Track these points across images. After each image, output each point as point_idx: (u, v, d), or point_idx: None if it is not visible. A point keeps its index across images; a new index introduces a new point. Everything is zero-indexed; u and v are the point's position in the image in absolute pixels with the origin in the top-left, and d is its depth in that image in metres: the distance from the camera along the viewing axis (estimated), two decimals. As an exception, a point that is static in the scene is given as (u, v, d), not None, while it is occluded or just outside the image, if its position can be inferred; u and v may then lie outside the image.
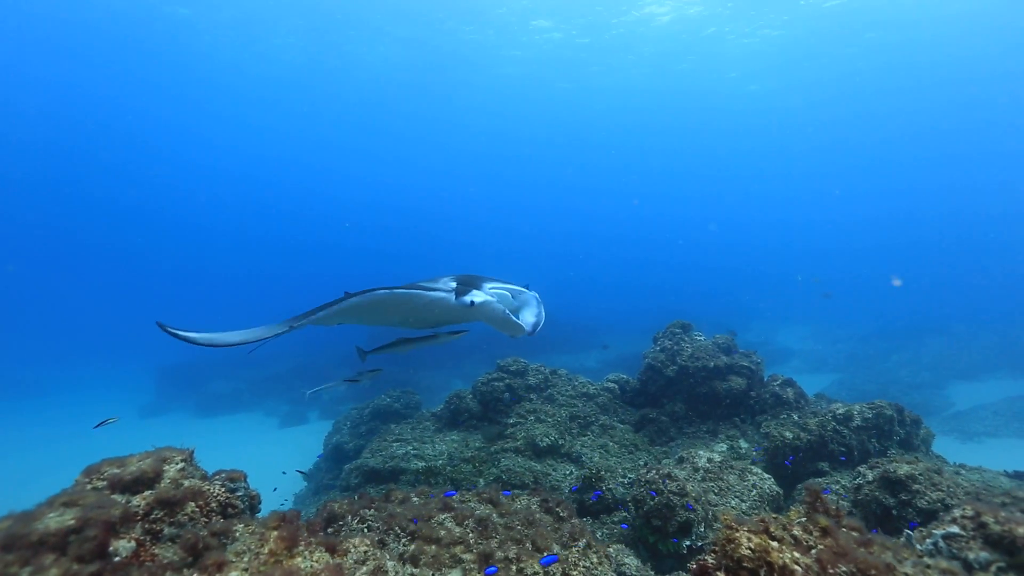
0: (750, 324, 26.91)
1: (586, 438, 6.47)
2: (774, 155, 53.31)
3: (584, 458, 6.02)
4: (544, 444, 6.17)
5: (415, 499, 2.98)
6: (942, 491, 2.99)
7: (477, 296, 3.81)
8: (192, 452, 2.05)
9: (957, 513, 1.72)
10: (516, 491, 5.41)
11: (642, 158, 55.59)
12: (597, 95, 37.72)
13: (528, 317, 4.52)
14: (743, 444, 6.00)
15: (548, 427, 6.45)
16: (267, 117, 41.92)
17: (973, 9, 25.34)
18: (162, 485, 1.78)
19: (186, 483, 1.82)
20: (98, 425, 5.92)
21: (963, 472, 5.08)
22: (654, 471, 3.87)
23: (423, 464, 6.42)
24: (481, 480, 5.83)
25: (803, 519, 1.81)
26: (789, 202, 69.71)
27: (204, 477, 1.99)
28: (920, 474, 3.07)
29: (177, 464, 1.90)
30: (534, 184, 67.34)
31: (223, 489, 1.95)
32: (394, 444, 7.22)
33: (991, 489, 3.02)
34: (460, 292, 3.75)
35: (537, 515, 2.84)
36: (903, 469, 3.12)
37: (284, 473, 9.46)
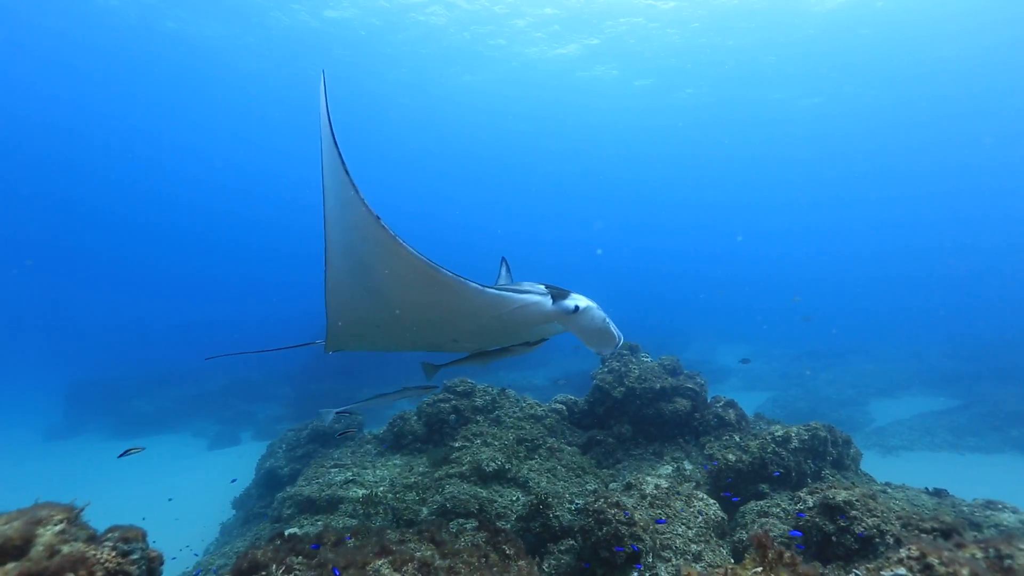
0: (690, 344, 27.88)
1: (533, 461, 6.34)
2: (705, 171, 54.90)
3: (531, 483, 5.88)
4: (490, 469, 5.98)
5: (350, 541, 2.74)
6: (877, 516, 3.07)
7: (580, 300, 3.25)
8: (78, 511, 1.72)
9: (903, 553, 1.72)
10: (461, 520, 5.21)
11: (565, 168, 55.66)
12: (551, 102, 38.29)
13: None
14: (688, 466, 6.06)
15: (495, 451, 6.28)
16: (241, 120, 39.98)
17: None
18: (33, 554, 1.48)
19: (65, 549, 1.52)
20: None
21: (890, 491, 5.34)
22: (602, 500, 3.79)
23: (363, 492, 6.08)
24: (425, 509, 5.56)
25: (759, 570, 1.74)
26: (728, 224, 73.20)
27: (91, 539, 1.67)
28: (857, 500, 3.15)
29: (55, 525, 1.59)
30: (491, 191, 67.39)
31: (114, 553, 1.64)
32: (332, 470, 6.82)
33: (920, 513, 3.14)
34: (557, 296, 3.22)
35: (482, 556, 2.67)
36: (841, 495, 3.19)
37: (170, 500, 8.80)
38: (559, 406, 7.43)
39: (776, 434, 5.34)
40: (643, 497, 4.16)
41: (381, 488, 6.21)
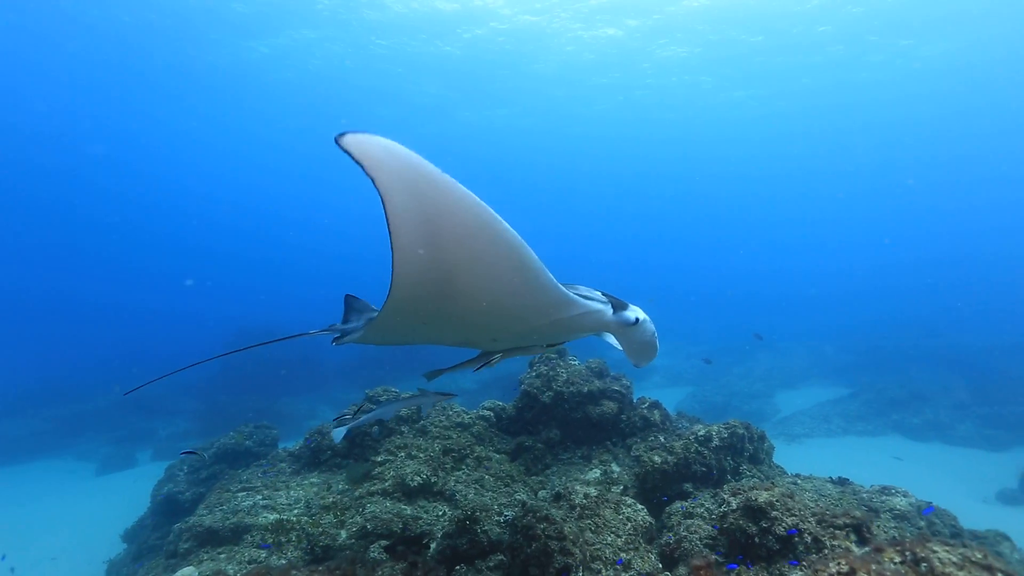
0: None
1: (460, 472, 6.10)
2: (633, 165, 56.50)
3: (458, 496, 5.64)
4: (415, 483, 5.68)
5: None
6: (796, 516, 3.15)
7: (639, 312, 3.17)
8: None
9: (834, 568, 1.71)
10: (384, 542, 4.87)
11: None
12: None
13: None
14: (615, 468, 6.08)
15: (420, 463, 5.98)
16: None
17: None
18: None
19: None
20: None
21: (800, 482, 5.63)
22: (531, 515, 3.64)
23: (274, 517, 5.56)
24: (343, 532, 5.16)
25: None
26: (653, 219, 76.15)
27: None
28: (777, 500, 3.22)
29: None
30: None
31: None
32: (239, 494, 6.19)
33: (832, 509, 3.27)
34: (618, 306, 3.10)
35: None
36: (763, 497, 3.25)
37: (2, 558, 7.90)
38: (487, 413, 7.24)
39: (699, 433, 5.47)
40: (572, 508, 4.06)
41: (295, 511, 5.72)
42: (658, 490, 5.21)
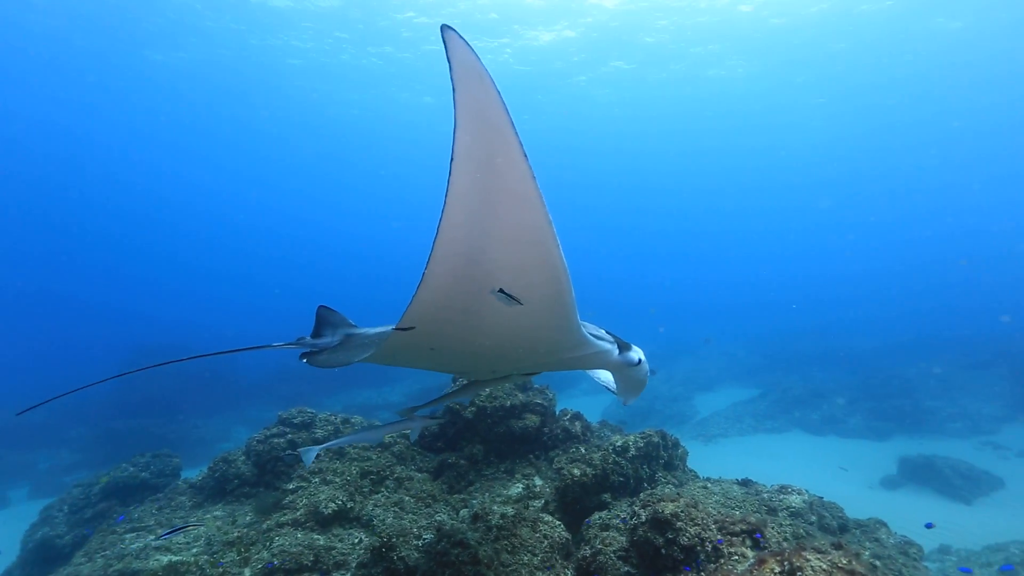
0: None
1: (379, 495, 5.87)
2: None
3: (376, 521, 5.42)
4: (330, 511, 5.38)
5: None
6: (698, 525, 3.29)
7: (640, 352, 3.18)
8: None
9: None
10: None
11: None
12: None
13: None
14: (538, 481, 6.10)
15: (335, 489, 5.68)
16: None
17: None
18: None
19: None
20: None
21: (710, 485, 5.92)
22: (445, 540, 3.54)
23: (169, 559, 5.06)
24: (247, 571, 4.78)
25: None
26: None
27: None
28: (682, 511, 3.34)
29: None
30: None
31: None
32: (128, 535, 5.60)
33: (732, 515, 3.44)
34: (623, 347, 3.09)
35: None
36: (668, 508, 3.36)
37: None
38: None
39: (616, 444, 5.61)
40: (489, 529, 4.00)
41: (194, 550, 5.23)
42: (578, 502, 5.27)
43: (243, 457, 6.77)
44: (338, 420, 7.26)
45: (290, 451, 6.56)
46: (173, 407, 17.53)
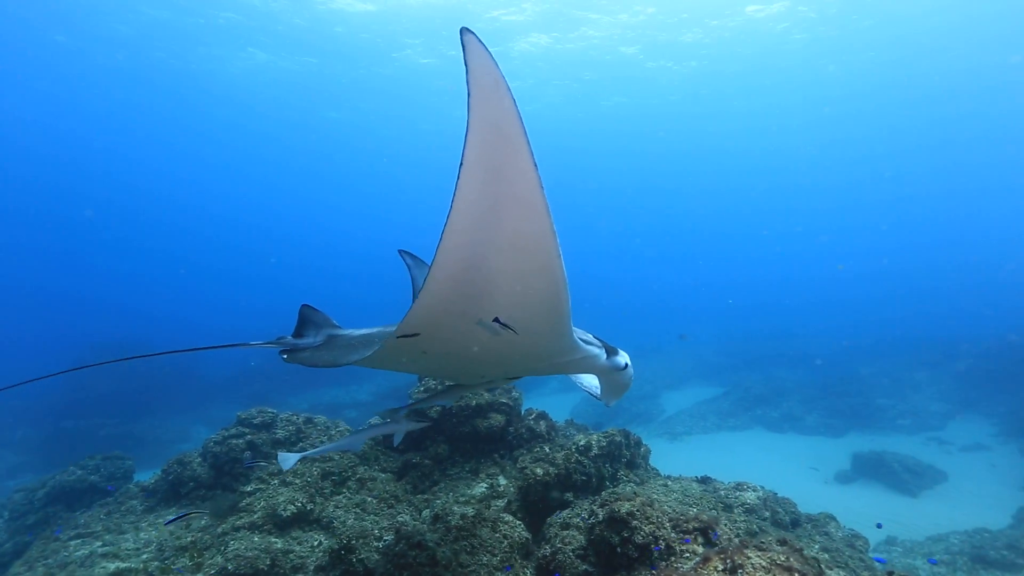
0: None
1: (341, 497, 5.78)
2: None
3: (336, 523, 5.34)
4: (288, 513, 5.27)
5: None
6: (653, 523, 3.35)
7: (627, 357, 3.20)
8: None
9: None
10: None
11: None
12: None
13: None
14: (502, 481, 6.11)
15: (295, 491, 5.57)
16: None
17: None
18: None
19: None
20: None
21: (670, 483, 6.04)
22: (403, 542, 3.52)
23: (116, 566, 4.89)
24: (199, 576, 4.64)
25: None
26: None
27: None
28: (637, 510, 3.40)
29: None
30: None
31: None
32: (73, 542, 5.37)
33: (686, 513, 3.52)
34: (610, 351, 3.11)
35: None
36: (624, 507, 3.42)
37: None
38: (374, 431, 6.95)
39: (579, 443, 5.67)
40: (449, 530, 3.99)
41: (144, 556, 5.07)
42: (541, 502, 5.29)
43: (199, 459, 6.57)
44: (300, 420, 7.12)
45: (262, 461, 6.28)
46: (130, 406, 16.87)
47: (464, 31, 1.56)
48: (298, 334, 3.26)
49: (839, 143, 42.53)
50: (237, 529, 5.16)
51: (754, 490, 5.54)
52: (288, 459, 4.04)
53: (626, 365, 3.23)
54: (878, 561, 7.93)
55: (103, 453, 8.10)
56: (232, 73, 28.29)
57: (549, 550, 4.10)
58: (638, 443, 6.42)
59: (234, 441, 6.60)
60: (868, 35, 26.89)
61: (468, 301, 2.15)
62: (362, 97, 32.83)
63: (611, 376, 3.32)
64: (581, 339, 2.91)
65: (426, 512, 5.61)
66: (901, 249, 60.96)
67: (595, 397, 3.92)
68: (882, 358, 22.79)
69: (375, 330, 3.31)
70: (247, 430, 6.75)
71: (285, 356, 3.12)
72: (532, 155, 1.75)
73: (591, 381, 3.95)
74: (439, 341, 2.47)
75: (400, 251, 4.44)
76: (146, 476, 7.44)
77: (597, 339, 3.17)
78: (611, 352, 3.14)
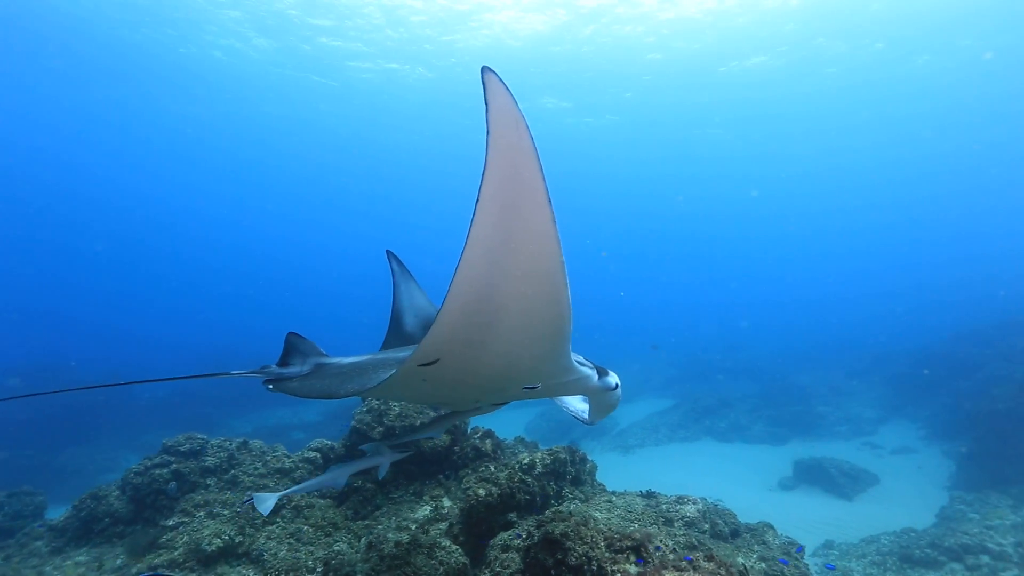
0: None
1: (274, 527, 5.47)
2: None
3: (267, 555, 5.03)
4: (214, 547, 4.94)
5: None
6: (587, 544, 3.31)
7: (616, 377, 3.23)
8: None
9: None
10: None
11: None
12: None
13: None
14: (447, 503, 5.96)
15: (222, 523, 5.23)
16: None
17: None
18: None
19: None
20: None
21: (614, 499, 6.03)
22: (331, 575, 3.33)
23: (11, 615, 4.40)
24: (107, 623, 4.25)
25: None
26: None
27: None
28: (571, 530, 3.36)
29: None
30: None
31: None
32: (-39, 592, 4.81)
33: (621, 530, 3.51)
34: (601, 372, 3.13)
35: None
36: (559, 528, 3.37)
37: None
38: (312, 454, 6.66)
39: (523, 462, 5.60)
40: (382, 559, 3.82)
41: (46, 603, 4.60)
42: (484, 523, 5.17)
43: (117, 492, 6.08)
44: (233, 446, 6.73)
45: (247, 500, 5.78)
46: (50, 434, 15.57)
47: (485, 70, 1.61)
48: (283, 363, 3.21)
49: (772, 156, 44.82)
50: (155, 568, 4.78)
51: (694, 503, 5.61)
52: (265, 499, 3.82)
53: (616, 385, 3.28)
54: (828, 568, 8.24)
55: (8, 489, 7.39)
56: (217, 68, 27.01)
57: (488, 574, 3.99)
58: (583, 459, 6.42)
59: (158, 471, 6.15)
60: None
61: (477, 329, 2.23)
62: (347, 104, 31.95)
63: (601, 396, 3.37)
64: (577, 361, 2.97)
65: (364, 539, 5.37)
66: (842, 258, 64.87)
67: (580, 420, 3.98)
68: (821, 367, 23.94)
69: (365, 358, 3.30)
70: (173, 458, 6.31)
71: (271, 386, 3.05)
72: (547, 193, 1.82)
73: (575, 403, 4.01)
74: (446, 368, 2.53)
75: (388, 252, 4.37)
76: (60, 513, 6.84)
77: (587, 360, 3.21)
78: (602, 373, 3.19)
